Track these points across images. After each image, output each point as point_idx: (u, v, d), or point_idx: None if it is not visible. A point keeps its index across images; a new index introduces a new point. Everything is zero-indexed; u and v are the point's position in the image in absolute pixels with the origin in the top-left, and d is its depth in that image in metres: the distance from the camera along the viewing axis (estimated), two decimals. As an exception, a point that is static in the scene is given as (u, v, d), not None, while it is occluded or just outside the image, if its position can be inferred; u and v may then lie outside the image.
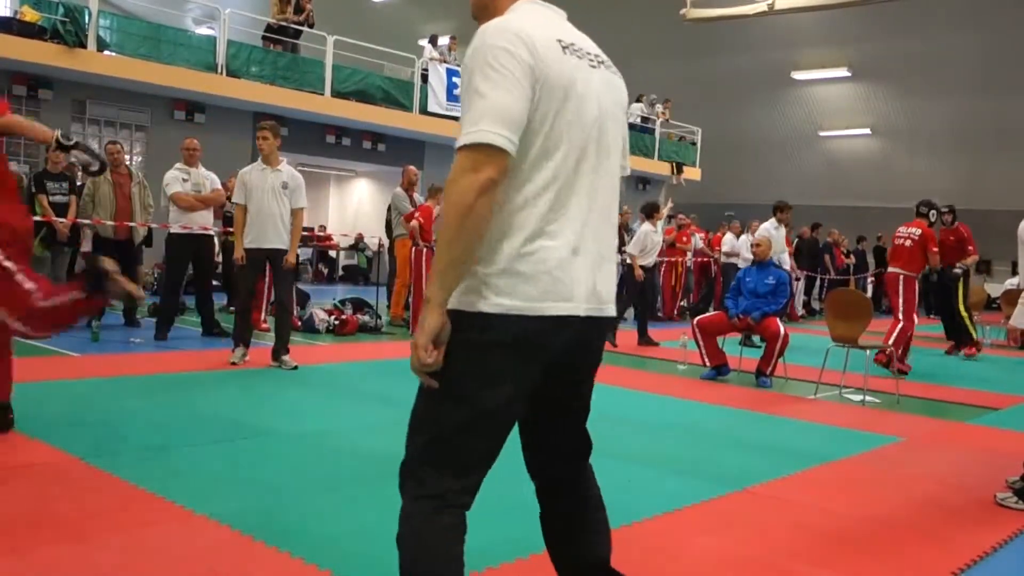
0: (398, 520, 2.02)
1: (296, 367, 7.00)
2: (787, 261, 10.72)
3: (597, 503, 2.35)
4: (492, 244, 1.96)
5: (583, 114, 2.03)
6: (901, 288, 9.24)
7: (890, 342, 8.72)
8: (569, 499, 2.33)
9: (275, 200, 7.05)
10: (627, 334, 10.19)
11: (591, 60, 2.10)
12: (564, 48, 2.02)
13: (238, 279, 7.42)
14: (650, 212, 10.54)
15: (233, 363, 7.07)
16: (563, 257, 2.00)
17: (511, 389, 2.00)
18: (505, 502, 3.80)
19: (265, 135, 7.13)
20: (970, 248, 10.90)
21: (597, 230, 2.09)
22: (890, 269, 9.51)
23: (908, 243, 9.27)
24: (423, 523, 1.99)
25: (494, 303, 1.95)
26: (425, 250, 9.98)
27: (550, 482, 2.33)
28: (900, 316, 9.11)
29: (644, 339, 10.16)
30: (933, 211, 9.57)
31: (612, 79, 2.18)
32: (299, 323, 9.73)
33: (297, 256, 7.33)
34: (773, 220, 10.64)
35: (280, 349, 7.12)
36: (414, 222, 10.03)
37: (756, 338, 8.90)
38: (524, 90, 1.91)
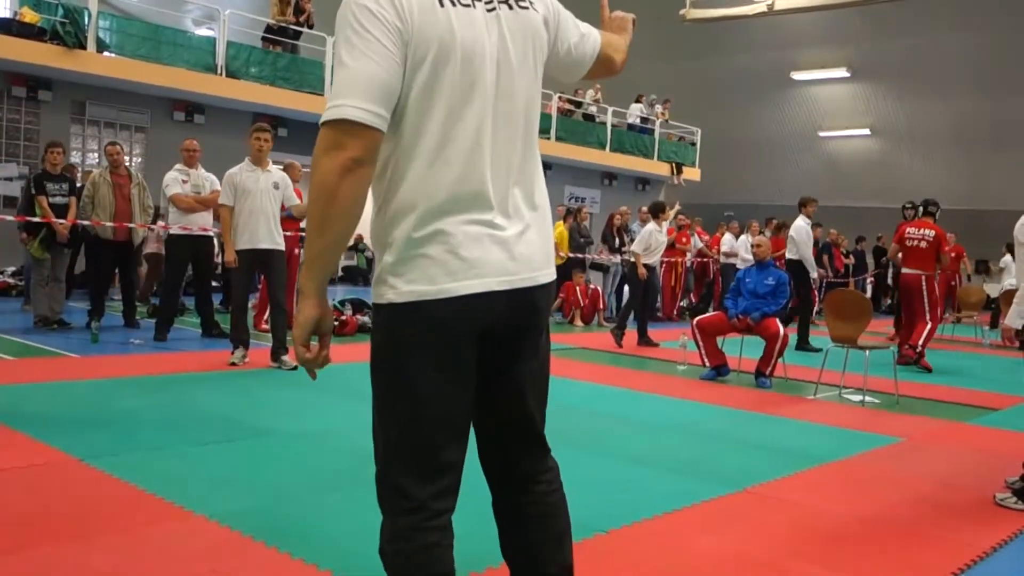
0: (380, 535, 1.92)
1: (296, 367, 6.99)
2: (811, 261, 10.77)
3: (555, 509, 2.13)
4: (391, 229, 1.83)
5: (472, 71, 1.82)
6: (925, 289, 9.38)
7: (920, 342, 9.16)
8: (521, 495, 2.11)
9: (268, 201, 7.08)
10: (627, 335, 10.18)
11: (487, 2, 1.87)
12: (459, 2, 1.82)
13: (235, 280, 7.41)
14: (656, 211, 10.52)
15: (233, 364, 7.08)
16: (468, 231, 1.83)
17: (445, 376, 1.86)
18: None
19: (267, 137, 7.18)
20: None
21: (507, 193, 1.90)
22: (908, 270, 9.54)
23: (923, 244, 9.37)
24: (407, 543, 1.87)
25: (404, 291, 1.82)
26: None
27: (500, 473, 2.12)
28: (927, 318, 9.32)
29: (644, 340, 10.15)
30: (939, 210, 9.71)
31: (517, 15, 1.91)
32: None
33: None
34: (803, 217, 10.65)
35: (279, 349, 7.12)
36: None
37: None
38: (391, 55, 1.73)
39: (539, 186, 2.00)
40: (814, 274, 10.56)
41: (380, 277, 1.87)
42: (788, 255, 10.81)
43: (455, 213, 1.82)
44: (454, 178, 1.82)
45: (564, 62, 2.13)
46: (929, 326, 9.31)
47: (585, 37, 2.16)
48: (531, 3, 1.96)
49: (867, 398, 7.11)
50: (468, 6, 1.83)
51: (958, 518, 4.00)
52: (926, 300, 9.39)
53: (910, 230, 9.54)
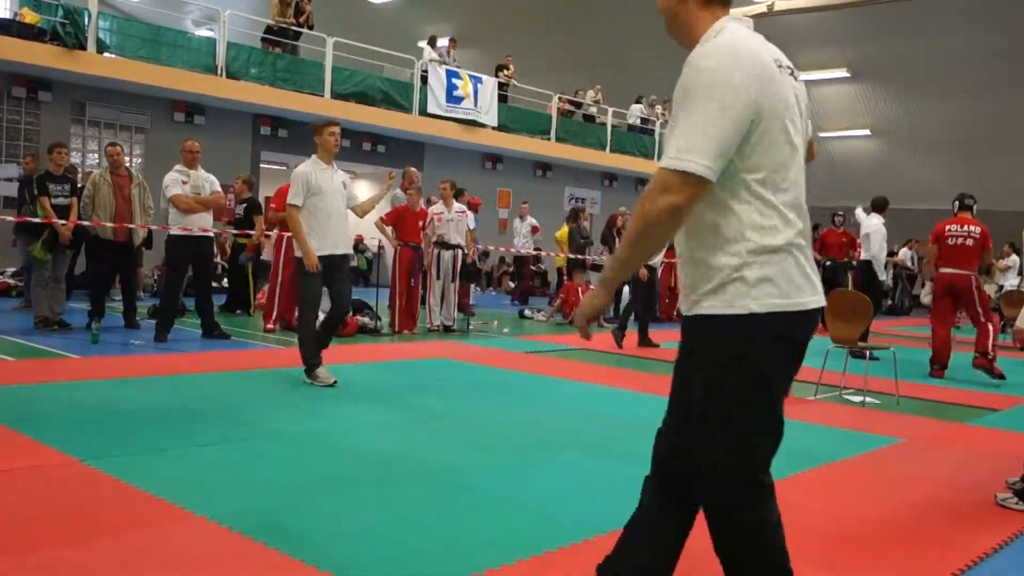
0: (731, 505, 2.30)
1: (335, 383, 6.42)
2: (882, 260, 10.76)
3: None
4: (744, 249, 2.15)
5: (792, 123, 2.21)
6: (976, 288, 8.91)
7: (990, 346, 8.84)
8: (774, 506, 2.44)
9: (341, 202, 6.56)
10: (627, 335, 10.17)
11: (788, 71, 2.26)
12: (779, 67, 2.19)
13: (306, 290, 6.53)
14: None
15: (334, 383, 6.41)
16: (800, 254, 2.20)
17: (782, 383, 2.24)
18: (505, 503, 3.80)
19: (340, 132, 6.63)
20: (859, 247, 12.09)
21: (807, 226, 2.26)
22: (953, 270, 8.91)
23: (970, 242, 8.84)
24: (762, 516, 2.30)
25: (764, 303, 2.14)
26: (399, 248, 10.13)
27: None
28: (985, 319, 8.90)
29: (644, 341, 10.11)
30: (975, 203, 9.27)
31: (800, 85, 2.33)
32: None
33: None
34: (879, 216, 10.56)
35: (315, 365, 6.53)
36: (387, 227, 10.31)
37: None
38: (740, 114, 2.07)
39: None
40: (883, 276, 10.52)
41: (736, 291, 2.16)
42: (864, 255, 10.83)
43: (789, 238, 2.18)
44: (787, 205, 2.19)
45: None
46: (991, 327, 8.89)
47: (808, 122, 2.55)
48: (798, 74, 2.37)
49: (867, 399, 7.11)
50: (784, 74, 2.22)
51: (959, 519, 4.00)
52: (978, 301, 8.90)
53: (951, 227, 8.94)
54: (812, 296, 2.23)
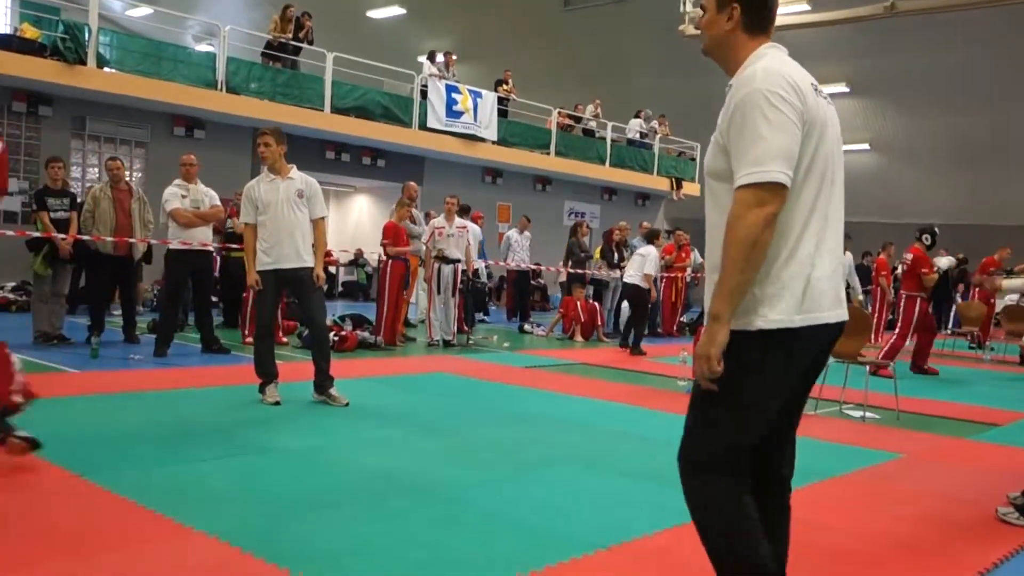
0: (694, 508, 2.49)
1: (347, 404, 6.27)
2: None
3: (788, 515, 2.72)
4: (771, 268, 2.25)
5: (827, 146, 2.34)
6: (903, 306, 10.27)
7: (880, 355, 9.53)
8: (782, 496, 2.69)
9: (293, 212, 6.19)
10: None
11: (824, 97, 2.39)
12: (816, 90, 2.33)
13: (256, 307, 6.44)
14: (651, 238, 11.54)
15: (276, 403, 6.18)
16: (822, 274, 2.30)
17: (783, 393, 2.36)
18: (504, 518, 3.79)
19: (267, 141, 6.22)
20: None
21: (836, 246, 2.39)
22: (901, 291, 10.47)
23: (903, 267, 10.30)
24: (724, 509, 2.43)
25: (772, 320, 2.25)
26: (391, 262, 10.12)
27: (769, 476, 2.61)
28: (896, 331, 10.18)
29: (636, 349, 10.51)
30: (926, 235, 10.28)
31: (832, 108, 2.45)
32: (299, 340, 9.72)
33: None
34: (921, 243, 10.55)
35: (325, 382, 6.35)
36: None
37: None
38: (797, 130, 2.21)
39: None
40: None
41: (748, 306, 2.25)
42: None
43: (819, 257, 2.30)
44: (819, 231, 2.31)
45: None
46: (893, 340, 10.07)
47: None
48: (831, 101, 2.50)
49: (867, 414, 7.09)
50: (820, 96, 2.35)
51: (960, 534, 3.98)
52: (902, 317, 10.29)
53: (905, 254, 10.46)
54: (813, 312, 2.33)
